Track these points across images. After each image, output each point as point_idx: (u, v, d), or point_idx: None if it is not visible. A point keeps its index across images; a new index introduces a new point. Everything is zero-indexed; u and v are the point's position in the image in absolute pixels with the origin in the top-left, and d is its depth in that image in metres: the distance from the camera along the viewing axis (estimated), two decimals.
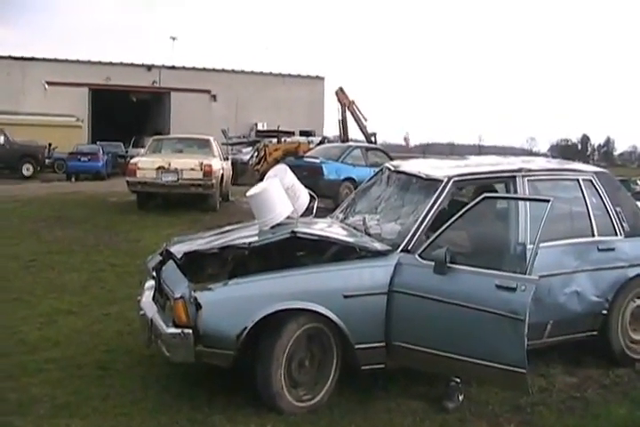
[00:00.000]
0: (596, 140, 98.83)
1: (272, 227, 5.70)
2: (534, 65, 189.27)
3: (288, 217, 5.81)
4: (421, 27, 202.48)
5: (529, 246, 5.07)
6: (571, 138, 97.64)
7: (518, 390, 4.86)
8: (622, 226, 5.98)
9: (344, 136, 31.21)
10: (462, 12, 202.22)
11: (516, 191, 5.66)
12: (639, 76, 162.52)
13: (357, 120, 31.52)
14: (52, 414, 4.74)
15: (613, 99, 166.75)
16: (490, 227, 5.57)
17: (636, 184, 15.61)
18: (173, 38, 53.08)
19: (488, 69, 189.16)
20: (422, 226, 5.26)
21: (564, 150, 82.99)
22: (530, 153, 71.44)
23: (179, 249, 5.49)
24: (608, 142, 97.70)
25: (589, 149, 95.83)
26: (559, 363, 5.96)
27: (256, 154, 27.23)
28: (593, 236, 5.86)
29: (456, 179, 5.55)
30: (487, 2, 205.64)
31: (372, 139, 30.94)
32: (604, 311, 5.81)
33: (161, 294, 5.45)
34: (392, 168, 6.35)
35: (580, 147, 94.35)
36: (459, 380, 5.14)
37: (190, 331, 4.70)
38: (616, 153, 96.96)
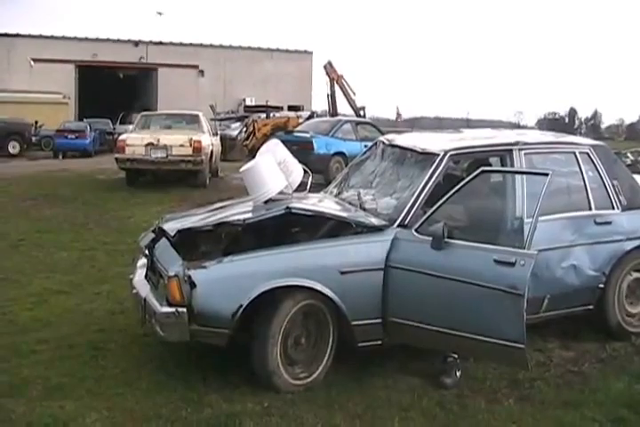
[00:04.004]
0: (584, 113, 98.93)
1: (266, 202, 5.63)
2: (521, 38, 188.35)
3: (282, 192, 5.75)
4: (409, 0, 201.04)
5: (526, 220, 5.00)
6: (558, 111, 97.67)
7: (517, 366, 4.82)
8: (619, 199, 5.93)
9: (333, 110, 31.09)
10: None
11: (512, 165, 5.59)
12: (625, 50, 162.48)
13: (346, 94, 31.36)
14: (44, 395, 4.68)
15: (600, 72, 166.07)
16: (487, 201, 5.54)
17: (627, 157, 15.57)
18: (160, 13, 52.61)
19: (475, 43, 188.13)
20: (419, 200, 5.20)
21: (551, 124, 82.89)
22: (517, 126, 71.22)
23: (172, 227, 5.39)
24: (595, 115, 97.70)
25: (577, 122, 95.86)
26: (556, 337, 5.94)
27: (245, 129, 27.14)
28: (590, 209, 5.80)
29: (452, 152, 5.47)
30: None
31: (361, 113, 30.83)
32: (601, 285, 5.78)
33: (154, 273, 5.36)
34: (386, 142, 6.27)
35: (567, 120, 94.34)
36: (456, 356, 5.09)
37: (185, 310, 4.63)
38: (603, 126, 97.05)
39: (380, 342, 5.04)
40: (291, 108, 37.37)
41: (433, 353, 5.19)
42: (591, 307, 5.84)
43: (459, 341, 4.70)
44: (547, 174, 4.72)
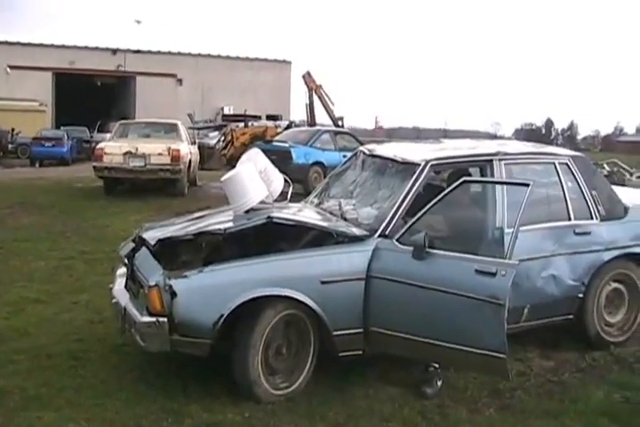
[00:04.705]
0: (560, 124, 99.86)
1: (247, 212, 5.60)
2: (499, 49, 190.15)
3: (263, 202, 5.72)
4: (388, 11, 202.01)
5: (507, 231, 5.05)
6: (535, 122, 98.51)
7: (498, 376, 4.83)
8: (598, 210, 5.96)
9: (311, 120, 31.07)
10: None
11: (492, 175, 5.61)
12: (602, 62, 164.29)
13: (325, 104, 31.38)
14: (22, 406, 4.62)
15: (576, 84, 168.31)
16: (468, 211, 5.56)
17: (604, 168, 15.70)
18: (138, 22, 52.22)
19: (453, 53, 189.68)
20: (400, 210, 5.20)
21: (528, 134, 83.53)
22: (494, 137, 71.75)
23: (152, 235, 5.37)
24: (571, 127, 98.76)
25: (553, 133, 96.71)
26: (536, 347, 5.96)
27: (223, 138, 27.08)
28: (569, 220, 5.83)
29: (433, 162, 5.48)
30: None
31: (340, 123, 30.86)
32: (580, 295, 5.80)
33: (134, 282, 5.32)
34: (367, 152, 6.26)
35: (544, 131, 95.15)
36: (437, 365, 5.10)
37: (165, 319, 4.60)
38: (579, 137, 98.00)
39: (361, 352, 5.03)
40: (269, 117, 37.33)
41: (414, 363, 5.19)
42: (571, 316, 5.86)
43: (440, 350, 4.71)
44: (527, 185, 4.74)
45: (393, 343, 4.91)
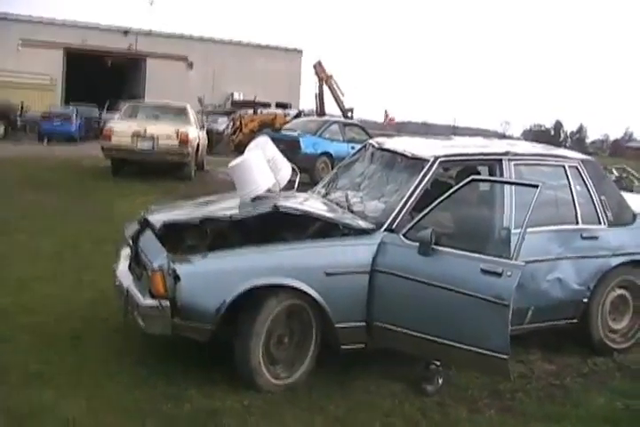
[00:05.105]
0: (569, 126, 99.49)
1: (253, 199, 5.61)
2: (511, 49, 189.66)
3: (269, 190, 5.72)
4: (401, 3, 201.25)
5: (514, 231, 5.01)
6: (544, 123, 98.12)
7: (499, 376, 4.84)
8: (606, 215, 5.93)
9: (320, 110, 31.09)
10: None
11: (502, 175, 5.58)
12: (612, 66, 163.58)
13: (335, 95, 31.41)
14: (23, 383, 4.63)
15: (587, 87, 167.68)
16: (475, 210, 5.55)
17: (612, 173, 15.64)
18: (151, 2, 51.99)
19: (466, 51, 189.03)
20: (407, 205, 5.19)
21: (537, 135, 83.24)
22: (503, 136, 71.52)
23: (158, 218, 5.36)
24: (581, 130, 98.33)
25: (562, 135, 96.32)
26: (538, 349, 5.94)
27: (232, 124, 27.10)
28: (577, 223, 5.80)
29: (442, 159, 5.46)
30: None
31: (349, 114, 30.91)
32: (585, 300, 5.78)
33: (137, 264, 5.30)
34: (376, 145, 6.24)
35: (552, 133, 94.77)
36: (438, 363, 5.09)
37: (168, 303, 4.60)
38: (588, 141, 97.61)
39: (363, 346, 5.03)
40: (279, 105, 37.32)
41: (415, 359, 5.18)
42: (575, 321, 5.84)
43: (442, 348, 4.71)
44: (537, 186, 4.73)
45: (395, 339, 4.91)
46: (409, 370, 5.23)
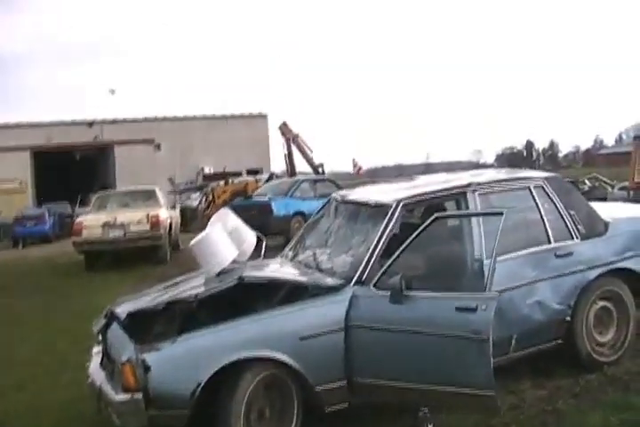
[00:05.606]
0: (540, 144, 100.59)
1: (219, 274, 5.48)
2: (474, 77, 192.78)
3: (235, 261, 5.59)
4: (356, 51, 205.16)
5: (486, 262, 4.92)
6: (516, 145, 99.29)
7: (489, 413, 4.68)
8: (577, 229, 5.83)
9: (291, 170, 31.16)
10: (394, 27, 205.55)
11: (467, 207, 5.51)
12: (577, 77, 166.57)
13: (303, 153, 31.49)
14: None
15: (552, 101, 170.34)
16: (444, 247, 5.49)
17: (585, 184, 15.65)
18: (112, 91, 52.50)
19: (428, 87, 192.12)
20: (374, 255, 5.08)
21: (510, 158, 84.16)
22: (477, 165, 72.24)
23: (123, 309, 5.20)
24: (552, 146, 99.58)
25: (534, 154, 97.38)
26: (528, 377, 5.74)
27: (204, 198, 27.06)
28: (549, 243, 5.69)
29: (405, 202, 5.38)
30: (414, 21, 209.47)
31: (320, 170, 30.92)
32: (568, 318, 5.64)
33: (109, 359, 5.14)
34: (339, 198, 6.18)
35: (525, 153, 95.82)
36: (427, 409, 4.85)
37: (140, 395, 4.42)
38: (561, 155, 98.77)
39: (347, 404, 4.85)
40: (249, 171, 37.49)
41: (403, 409, 4.99)
42: (560, 341, 5.68)
43: (427, 393, 4.56)
44: (501, 213, 4.65)
45: (378, 391, 4.75)
46: (397, 422, 5.03)
